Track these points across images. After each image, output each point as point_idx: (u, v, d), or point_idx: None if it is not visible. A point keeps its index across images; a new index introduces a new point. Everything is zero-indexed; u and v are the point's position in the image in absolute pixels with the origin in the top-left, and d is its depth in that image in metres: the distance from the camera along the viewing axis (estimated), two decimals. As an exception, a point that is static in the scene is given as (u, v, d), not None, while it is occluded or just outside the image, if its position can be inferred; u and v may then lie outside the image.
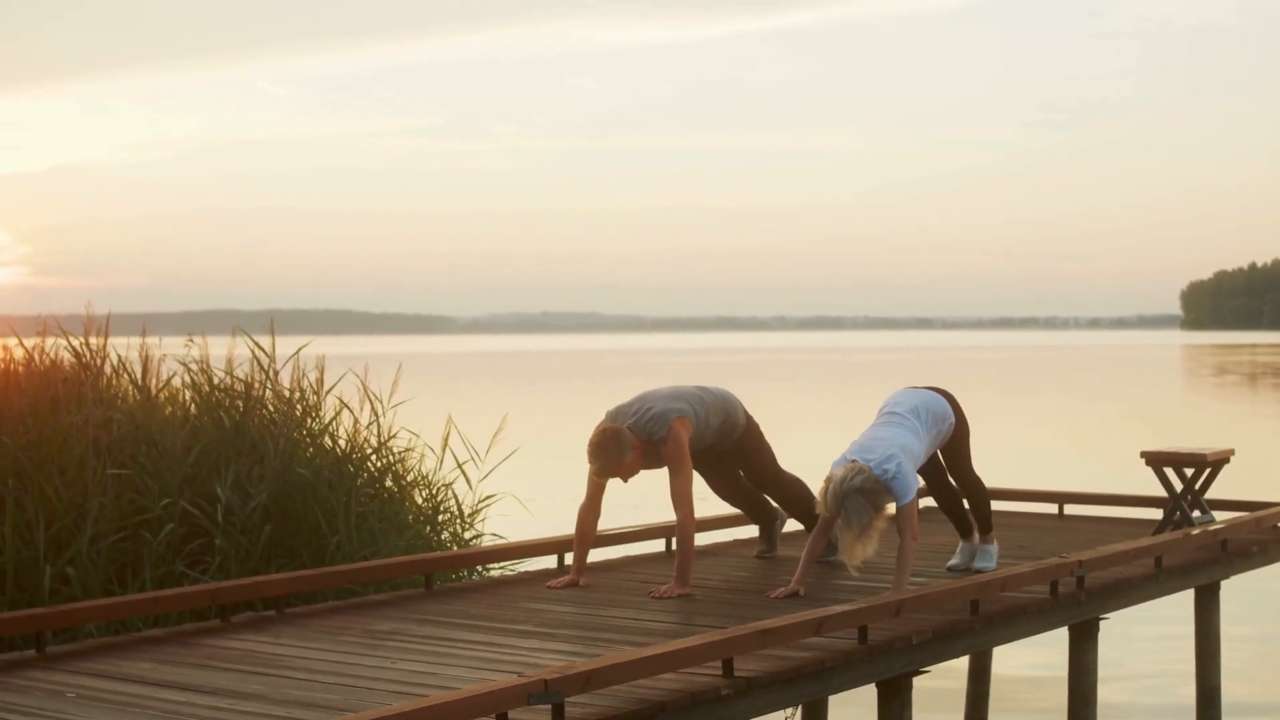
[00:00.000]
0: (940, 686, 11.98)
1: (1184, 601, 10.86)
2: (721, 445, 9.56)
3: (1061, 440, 37.14)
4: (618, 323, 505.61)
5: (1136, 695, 12.53)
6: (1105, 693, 10.41)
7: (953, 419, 9.16)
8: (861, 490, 8.22)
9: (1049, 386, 70.45)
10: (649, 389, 9.46)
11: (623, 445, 8.89)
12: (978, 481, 9.52)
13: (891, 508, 8.48)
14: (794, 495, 9.86)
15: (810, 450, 14.01)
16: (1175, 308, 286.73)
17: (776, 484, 9.87)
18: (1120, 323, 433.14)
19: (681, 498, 8.96)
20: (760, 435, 9.74)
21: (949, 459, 9.41)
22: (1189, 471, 11.14)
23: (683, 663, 6.45)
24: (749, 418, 9.65)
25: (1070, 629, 9.10)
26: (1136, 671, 13.27)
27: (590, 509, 9.13)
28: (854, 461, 8.40)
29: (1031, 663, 13.17)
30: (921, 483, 9.10)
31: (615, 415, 9.11)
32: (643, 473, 9.30)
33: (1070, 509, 12.42)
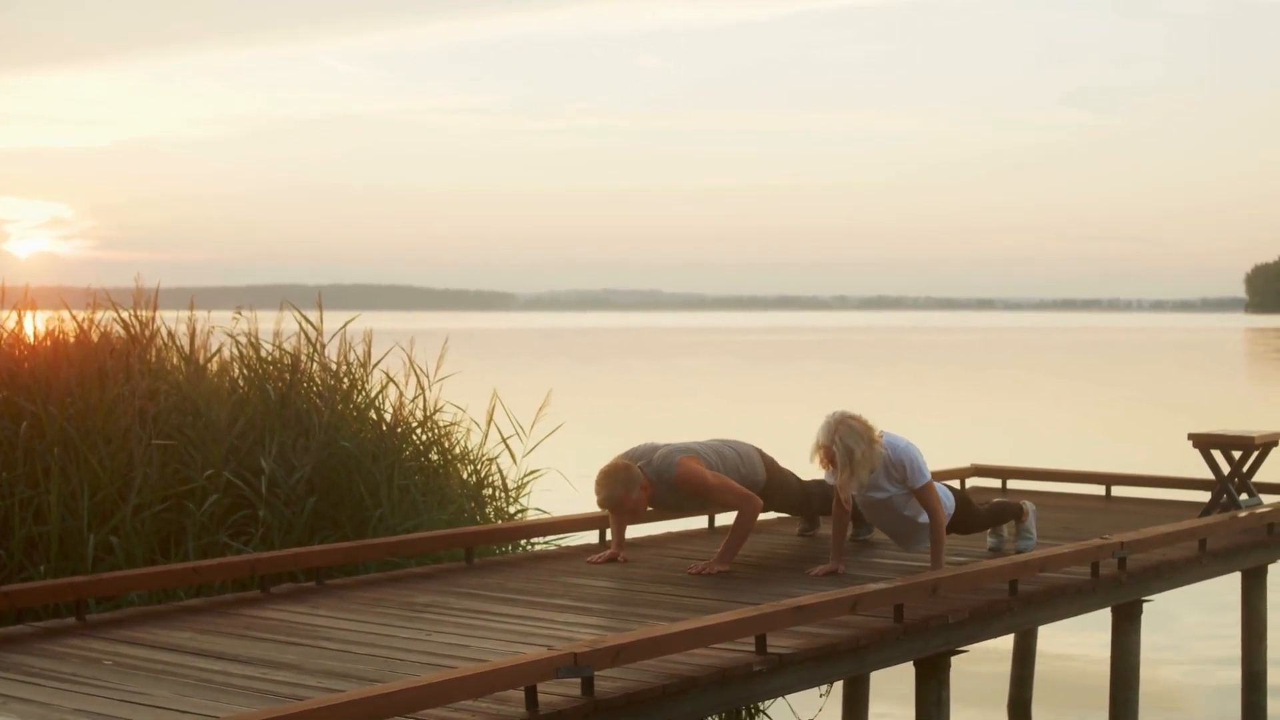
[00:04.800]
0: (984, 668, 11.95)
1: (1232, 585, 10.79)
2: None
3: (1112, 422, 36.84)
4: (679, 301, 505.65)
5: (1182, 678, 12.44)
6: (1150, 675, 10.34)
7: (954, 506, 9.11)
8: (858, 419, 8.42)
9: (1105, 368, 69.99)
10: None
11: (631, 481, 8.85)
12: (988, 511, 9.47)
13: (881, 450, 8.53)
14: (824, 496, 9.80)
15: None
16: (1240, 290, 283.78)
17: (807, 503, 9.84)
18: (1184, 305, 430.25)
19: (735, 495, 8.97)
20: (781, 477, 9.58)
21: (969, 528, 9.40)
22: (1236, 454, 11.05)
23: (714, 638, 6.44)
24: (769, 466, 9.49)
25: (1113, 611, 9.05)
26: (1183, 655, 13.18)
27: None
28: None
29: (1077, 644, 13.10)
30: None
31: (628, 455, 9.09)
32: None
33: (1118, 491, 12.34)
